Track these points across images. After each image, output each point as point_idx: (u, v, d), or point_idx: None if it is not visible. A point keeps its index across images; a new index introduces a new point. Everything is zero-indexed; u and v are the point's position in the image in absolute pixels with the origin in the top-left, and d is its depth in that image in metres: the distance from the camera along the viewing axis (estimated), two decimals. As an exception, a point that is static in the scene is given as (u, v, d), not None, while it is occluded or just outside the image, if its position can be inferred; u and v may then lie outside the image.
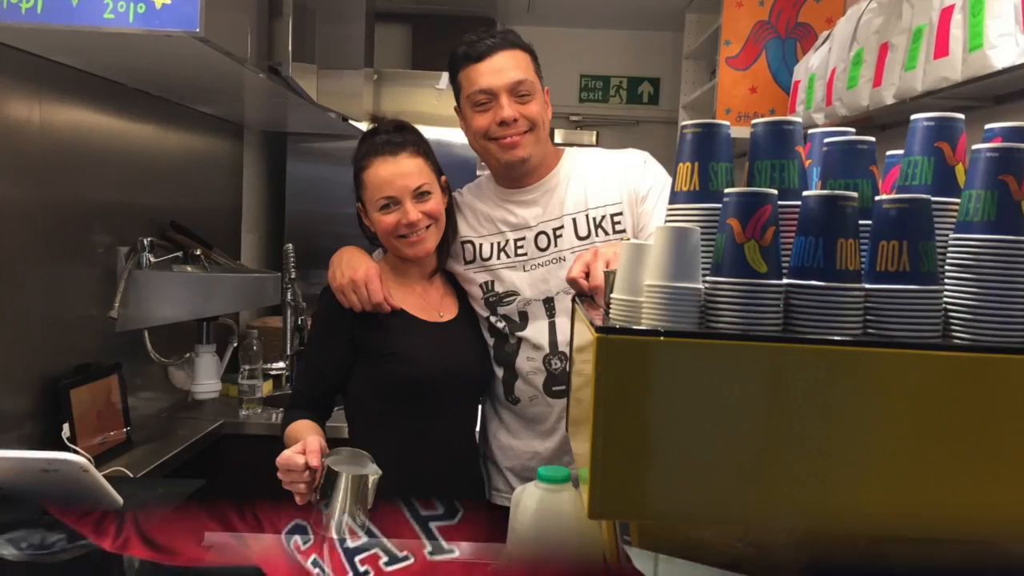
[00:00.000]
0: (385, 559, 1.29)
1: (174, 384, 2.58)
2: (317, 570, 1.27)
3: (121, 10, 1.50)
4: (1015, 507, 0.85)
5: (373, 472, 1.42)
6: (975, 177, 0.89)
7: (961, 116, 0.98)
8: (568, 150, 1.79)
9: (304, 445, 1.42)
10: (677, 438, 0.85)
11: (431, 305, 1.73)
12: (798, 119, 1.01)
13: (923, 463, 0.85)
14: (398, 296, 1.67)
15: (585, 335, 0.97)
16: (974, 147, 0.91)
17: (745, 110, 3.35)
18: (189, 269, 2.37)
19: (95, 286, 2.12)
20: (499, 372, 1.74)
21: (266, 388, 2.69)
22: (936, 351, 0.85)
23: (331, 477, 1.39)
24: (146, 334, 2.33)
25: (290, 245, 2.82)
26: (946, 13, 1.79)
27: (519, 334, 1.70)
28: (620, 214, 1.67)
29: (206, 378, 2.62)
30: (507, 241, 1.72)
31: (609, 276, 1.01)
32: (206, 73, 2.00)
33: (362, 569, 1.27)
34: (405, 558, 1.30)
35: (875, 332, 0.88)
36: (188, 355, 2.58)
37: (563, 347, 1.67)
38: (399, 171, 1.62)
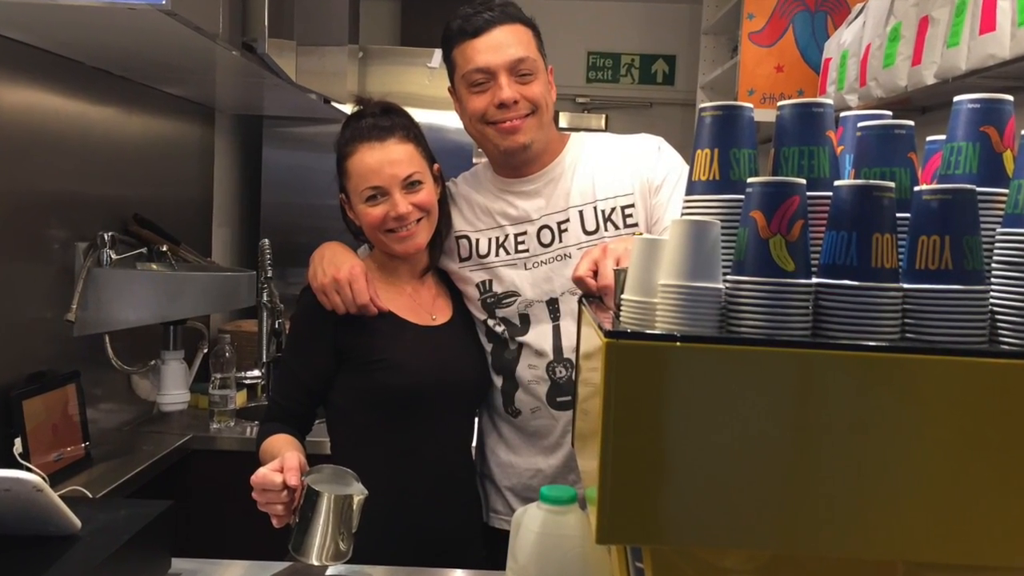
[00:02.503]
0: None
1: (138, 394, 2.58)
2: None
3: (79, -20, 1.50)
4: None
5: (358, 492, 1.42)
6: (1025, 165, 0.89)
7: (1009, 98, 0.97)
8: (574, 136, 1.79)
9: (282, 462, 1.42)
10: (695, 454, 0.85)
11: (422, 307, 1.73)
12: (829, 101, 1.01)
13: (967, 481, 0.85)
14: (386, 297, 1.67)
15: (593, 340, 0.97)
16: (1024, 132, 0.91)
17: (770, 91, 3.35)
18: (154, 267, 2.37)
19: (50, 286, 2.12)
20: (498, 381, 1.74)
21: (239, 399, 2.70)
22: (982, 358, 0.85)
23: (312, 497, 1.39)
24: (107, 339, 2.33)
25: (266, 240, 2.82)
26: (993, -16, 1.78)
27: (520, 339, 1.70)
28: (631, 206, 1.67)
29: (173, 388, 2.63)
30: (506, 236, 1.72)
31: (619, 275, 1.01)
32: (174, 50, 2.00)
33: None
34: None
35: (914, 337, 0.88)
36: (153, 362, 2.58)
37: (568, 353, 1.67)
38: (387, 158, 1.62)
